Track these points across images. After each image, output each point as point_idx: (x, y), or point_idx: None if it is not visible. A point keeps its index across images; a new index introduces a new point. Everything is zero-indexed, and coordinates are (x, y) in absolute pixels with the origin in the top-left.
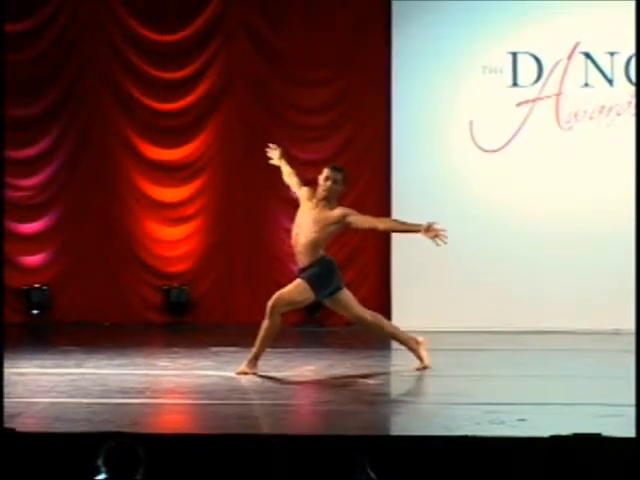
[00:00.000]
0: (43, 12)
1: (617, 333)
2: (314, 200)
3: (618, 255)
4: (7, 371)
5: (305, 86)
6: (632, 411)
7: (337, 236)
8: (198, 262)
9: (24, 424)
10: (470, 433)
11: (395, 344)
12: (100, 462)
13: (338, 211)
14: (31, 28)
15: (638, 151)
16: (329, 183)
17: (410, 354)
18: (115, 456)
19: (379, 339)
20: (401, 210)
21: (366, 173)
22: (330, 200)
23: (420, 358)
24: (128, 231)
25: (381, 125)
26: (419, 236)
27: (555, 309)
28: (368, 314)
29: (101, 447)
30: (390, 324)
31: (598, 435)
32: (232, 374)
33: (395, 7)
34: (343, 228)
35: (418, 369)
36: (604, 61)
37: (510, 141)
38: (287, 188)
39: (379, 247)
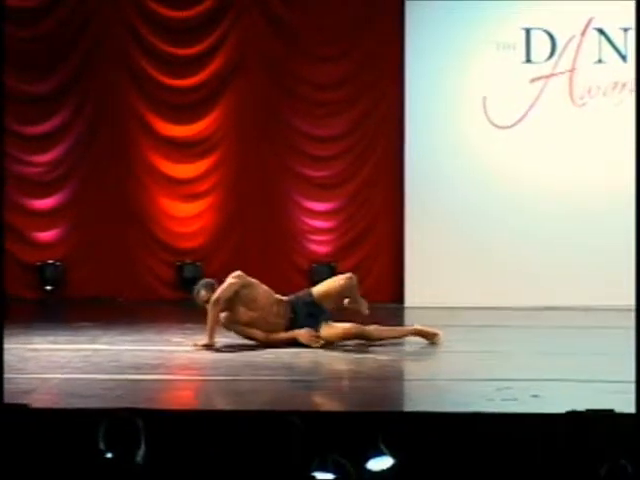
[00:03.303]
0: None
1: (631, 309)
2: None
3: (631, 232)
4: (21, 347)
5: (318, 62)
6: None
7: (350, 213)
8: (212, 238)
9: (38, 400)
10: (483, 409)
11: (408, 320)
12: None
13: None
14: (45, 4)
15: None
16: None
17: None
18: (115, 434)
19: (392, 317)
20: (414, 186)
21: (379, 149)
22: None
23: (428, 333)
24: (142, 207)
25: (394, 101)
26: (433, 213)
27: (568, 286)
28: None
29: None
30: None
31: (611, 411)
32: (244, 350)
33: None
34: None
35: (434, 342)
36: (618, 37)
37: (524, 117)
38: (301, 164)
39: (392, 224)
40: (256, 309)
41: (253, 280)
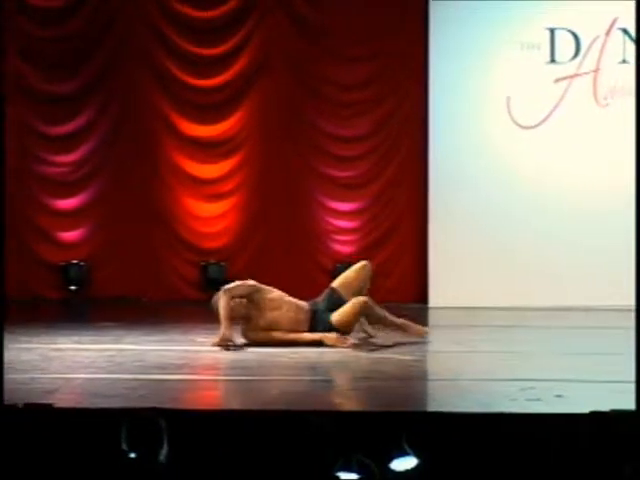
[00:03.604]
0: None
1: None
2: None
3: None
4: (45, 347)
5: (342, 62)
6: None
7: (374, 213)
8: (236, 238)
9: (62, 400)
10: (506, 410)
11: (433, 320)
12: (122, 440)
13: None
14: (69, 3)
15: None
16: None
17: (445, 332)
18: (137, 434)
19: (416, 318)
20: (438, 186)
21: (403, 149)
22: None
23: (412, 328)
24: (166, 207)
25: (418, 101)
26: (457, 213)
27: (593, 286)
28: None
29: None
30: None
31: (635, 411)
32: (269, 350)
33: None
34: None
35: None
36: None
37: (547, 117)
38: (325, 165)
39: (416, 224)
40: (273, 309)
41: (266, 286)
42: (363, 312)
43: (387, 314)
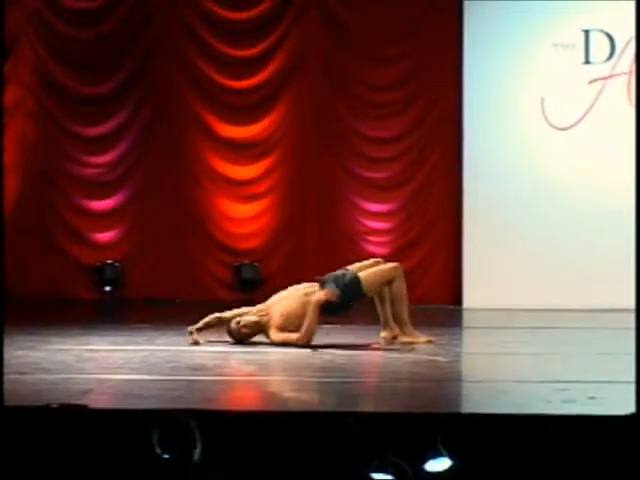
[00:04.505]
0: None
1: None
2: None
3: None
4: (79, 348)
5: (376, 63)
6: None
7: (408, 215)
8: (269, 239)
9: (96, 400)
10: (541, 411)
11: (467, 322)
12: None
13: None
14: (104, 5)
15: (638, 145)
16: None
17: (481, 334)
18: (169, 436)
19: (450, 319)
20: (472, 187)
21: (437, 150)
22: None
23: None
24: (200, 208)
25: (452, 102)
26: (491, 214)
27: (628, 287)
28: None
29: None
30: None
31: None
32: (301, 351)
33: None
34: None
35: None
36: None
37: (582, 119)
38: (359, 166)
39: (450, 225)
40: (278, 301)
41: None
42: (392, 275)
43: (406, 299)
